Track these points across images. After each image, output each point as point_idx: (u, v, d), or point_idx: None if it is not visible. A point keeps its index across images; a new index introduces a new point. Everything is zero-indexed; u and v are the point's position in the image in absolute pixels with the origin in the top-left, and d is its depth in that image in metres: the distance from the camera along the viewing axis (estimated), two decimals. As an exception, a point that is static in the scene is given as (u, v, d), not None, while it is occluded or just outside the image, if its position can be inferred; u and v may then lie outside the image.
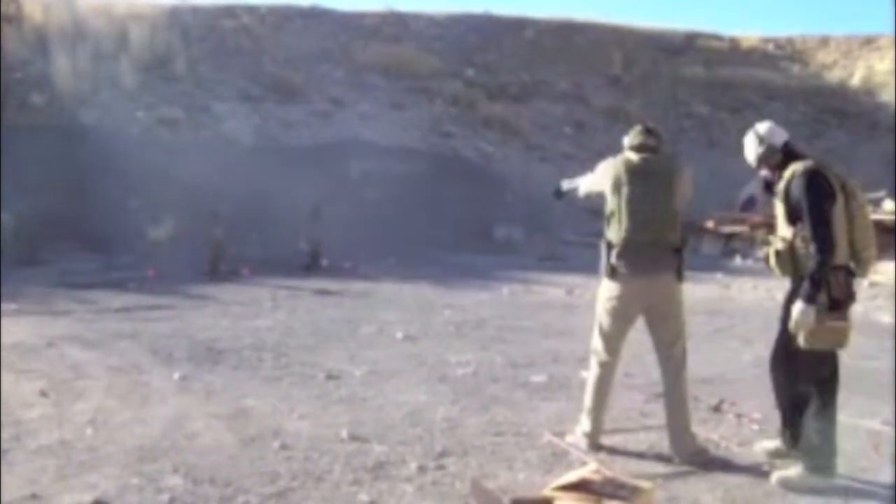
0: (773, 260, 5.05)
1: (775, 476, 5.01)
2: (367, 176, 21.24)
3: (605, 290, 5.59)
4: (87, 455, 5.40)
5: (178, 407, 6.57)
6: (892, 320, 11.55)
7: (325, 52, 28.06)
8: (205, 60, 25.29)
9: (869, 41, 33.94)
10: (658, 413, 6.29)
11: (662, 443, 5.76)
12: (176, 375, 7.59)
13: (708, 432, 6.03)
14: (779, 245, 5.00)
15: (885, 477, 5.22)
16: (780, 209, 5.02)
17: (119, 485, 4.85)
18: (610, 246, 5.49)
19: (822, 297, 4.74)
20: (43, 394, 6.88)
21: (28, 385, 7.17)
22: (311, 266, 16.50)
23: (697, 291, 12.92)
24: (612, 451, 5.66)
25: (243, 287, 14.07)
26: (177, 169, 18.98)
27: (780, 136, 5.11)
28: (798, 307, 4.78)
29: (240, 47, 26.74)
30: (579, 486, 4.08)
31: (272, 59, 26.62)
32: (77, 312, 11.43)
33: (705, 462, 5.39)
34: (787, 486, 4.92)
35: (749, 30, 37.04)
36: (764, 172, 5.27)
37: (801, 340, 4.89)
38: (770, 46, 35.30)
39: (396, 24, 31.27)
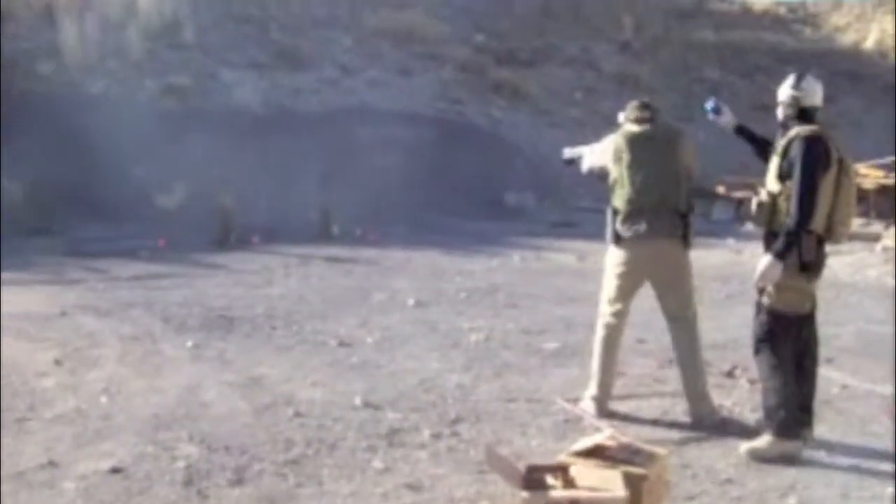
0: (754, 209, 5.08)
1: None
2: (377, 143, 21.13)
3: (612, 256, 5.65)
4: (102, 423, 5.43)
5: (191, 375, 6.59)
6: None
7: (333, 19, 27.88)
8: (213, 28, 25.15)
9: (882, 3, 33.56)
10: (671, 379, 6.30)
11: (676, 409, 5.78)
12: (189, 344, 7.61)
13: (721, 398, 6.03)
14: (763, 197, 5.01)
15: (899, 442, 5.21)
16: (773, 163, 5.01)
17: (135, 453, 4.88)
18: (615, 212, 5.54)
19: (793, 259, 4.78)
20: (57, 363, 6.91)
21: (42, 354, 7.20)
22: (321, 234, 16.49)
23: (709, 257, 12.89)
24: (626, 417, 5.68)
25: (254, 255, 14.08)
26: (185, 137, 18.94)
27: (811, 98, 5.04)
28: (766, 259, 4.82)
29: (248, 14, 26.57)
30: (595, 453, 4.08)
31: (280, 26, 26.46)
32: (88, 281, 11.46)
33: (721, 428, 5.40)
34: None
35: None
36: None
37: (765, 299, 4.95)
38: (782, 10, 34.99)
39: (404, -10, 31.01)
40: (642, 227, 5.44)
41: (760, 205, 5.01)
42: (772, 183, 4.99)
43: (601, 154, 5.78)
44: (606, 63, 29.79)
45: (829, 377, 6.50)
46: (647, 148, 5.48)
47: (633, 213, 5.46)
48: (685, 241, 5.55)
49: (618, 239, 5.56)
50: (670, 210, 5.47)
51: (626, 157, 5.49)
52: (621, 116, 5.79)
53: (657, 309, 5.79)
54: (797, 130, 4.92)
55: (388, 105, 23.39)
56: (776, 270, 4.78)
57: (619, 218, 5.53)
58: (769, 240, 4.97)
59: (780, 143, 5.00)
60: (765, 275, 4.82)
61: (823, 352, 7.13)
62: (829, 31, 33.42)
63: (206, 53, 24.01)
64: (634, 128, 5.59)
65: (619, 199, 5.51)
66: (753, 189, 5.20)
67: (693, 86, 28.57)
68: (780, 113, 5.14)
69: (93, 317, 8.90)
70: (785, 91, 5.09)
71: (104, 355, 7.22)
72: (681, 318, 5.59)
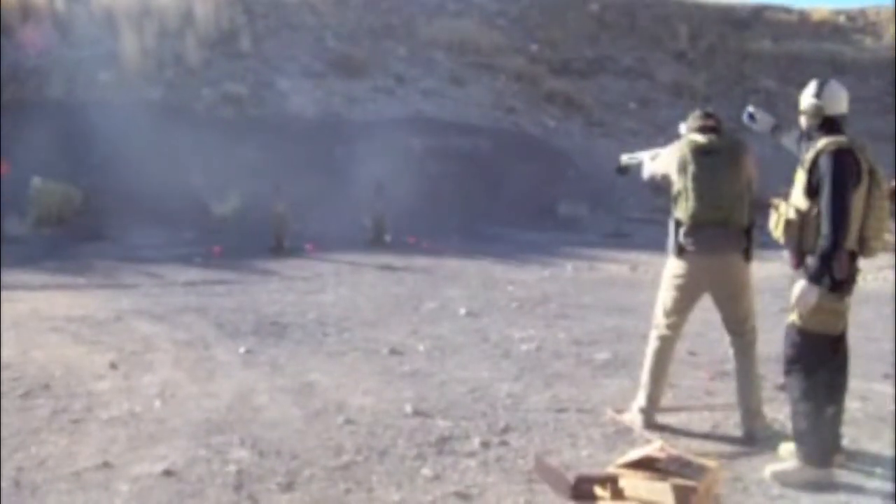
0: (781, 228, 4.79)
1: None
2: (430, 152, 21.20)
3: (672, 268, 5.55)
4: (156, 427, 5.50)
5: (243, 380, 6.66)
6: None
7: (388, 28, 28.04)
8: (269, 37, 25.43)
9: (946, 12, 33.01)
10: (723, 392, 6.25)
11: (727, 422, 5.72)
12: (241, 349, 7.68)
13: (774, 412, 5.95)
14: (791, 214, 4.76)
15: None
16: (800, 178, 4.78)
17: (187, 456, 4.94)
18: (678, 224, 5.45)
19: (825, 278, 4.58)
20: (113, 366, 7.02)
21: (99, 357, 7.32)
22: (374, 241, 16.56)
23: (762, 269, 12.72)
24: (676, 429, 5.63)
25: (307, 262, 14.18)
26: (241, 145, 19.15)
27: (836, 106, 4.83)
28: (802, 285, 4.62)
29: (303, 23, 26.82)
30: (644, 464, 4.06)
31: (335, 35, 26.66)
32: (144, 286, 11.62)
33: (773, 442, 5.32)
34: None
35: (819, 2, 36.32)
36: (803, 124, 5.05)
37: (795, 317, 4.75)
38: (841, 18, 34.52)
39: (459, 0, 31.08)
40: (706, 240, 5.38)
41: (789, 223, 4.75)
42: (799, 199, 4.75)
43: (666, 162, 5.69)
44: (661, 73, 29.60)
45: (885, 393, 6.40)
46: (712, 160, 5.39)
47: (698, 226, 5.38)
48: (747, 256, 5.47)
49: (681, 251, 5.48)
50: (734, 224, 5.40)
51: (691, 168, 5.40)
52: (683, 127, 5.71)
53: (709, 321, 5.75)
54: (824, 143, 4.68)
55: (443, 114, 23.46)
56: (812, 295, 4.59)
57: (683, 230, 5.44)
58: (799, 258, 4.77)
59: (807, 157, 4.76)
60: (801, 300, 4.62)
61: (881, 368, 7.08)
62: (890, 40, 32.86)
63: (262, 62, 24.26)
64: (700, 138, 5.49)
65: (683, 211, 5.42)
66: (774, 204, 4.91)
67: (749, 96, 28.24)
68: (804, 123, 4.95)
69: (148, 321, 9.02)
70: (806, 100, 4.88)
71: (158, 360, 7.32)
72: (739, 333, 5.53)
